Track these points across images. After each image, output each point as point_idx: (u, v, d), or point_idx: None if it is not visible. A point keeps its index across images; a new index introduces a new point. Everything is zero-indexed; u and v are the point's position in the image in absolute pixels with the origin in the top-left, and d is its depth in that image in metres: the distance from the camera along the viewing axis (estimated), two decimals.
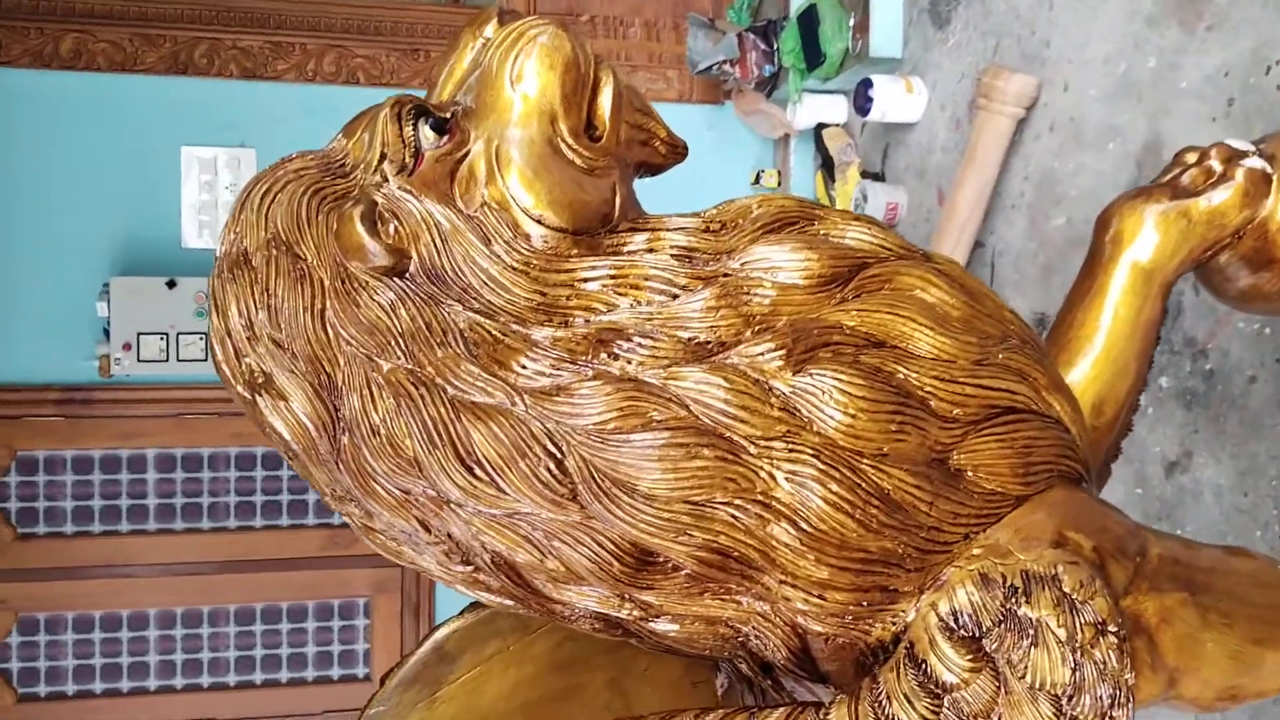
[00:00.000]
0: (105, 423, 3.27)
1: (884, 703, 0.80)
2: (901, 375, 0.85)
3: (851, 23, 3.27)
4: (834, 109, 3.47)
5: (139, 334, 3.07)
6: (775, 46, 3.47)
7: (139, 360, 3.08)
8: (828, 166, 3.62)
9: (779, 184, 3.83)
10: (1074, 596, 0.83)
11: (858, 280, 0.88)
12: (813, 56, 3.33)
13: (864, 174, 3.33)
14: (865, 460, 0.82)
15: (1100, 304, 1.16)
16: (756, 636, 0.86)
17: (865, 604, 0.83)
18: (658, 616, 0.85)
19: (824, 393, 0.81)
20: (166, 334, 3.08)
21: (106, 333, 3.12)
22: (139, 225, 3.27)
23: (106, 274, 3.18)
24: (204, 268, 3.36)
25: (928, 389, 0.86)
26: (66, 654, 3.32)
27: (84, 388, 3.25)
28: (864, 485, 0.81)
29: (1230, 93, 1.79)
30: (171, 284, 3.10)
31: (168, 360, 3.09)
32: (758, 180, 3.84)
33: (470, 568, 0.83)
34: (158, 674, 3.39)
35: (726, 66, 3.57)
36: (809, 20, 3.32)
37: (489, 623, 1.10)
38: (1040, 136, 2.40)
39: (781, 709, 0.81)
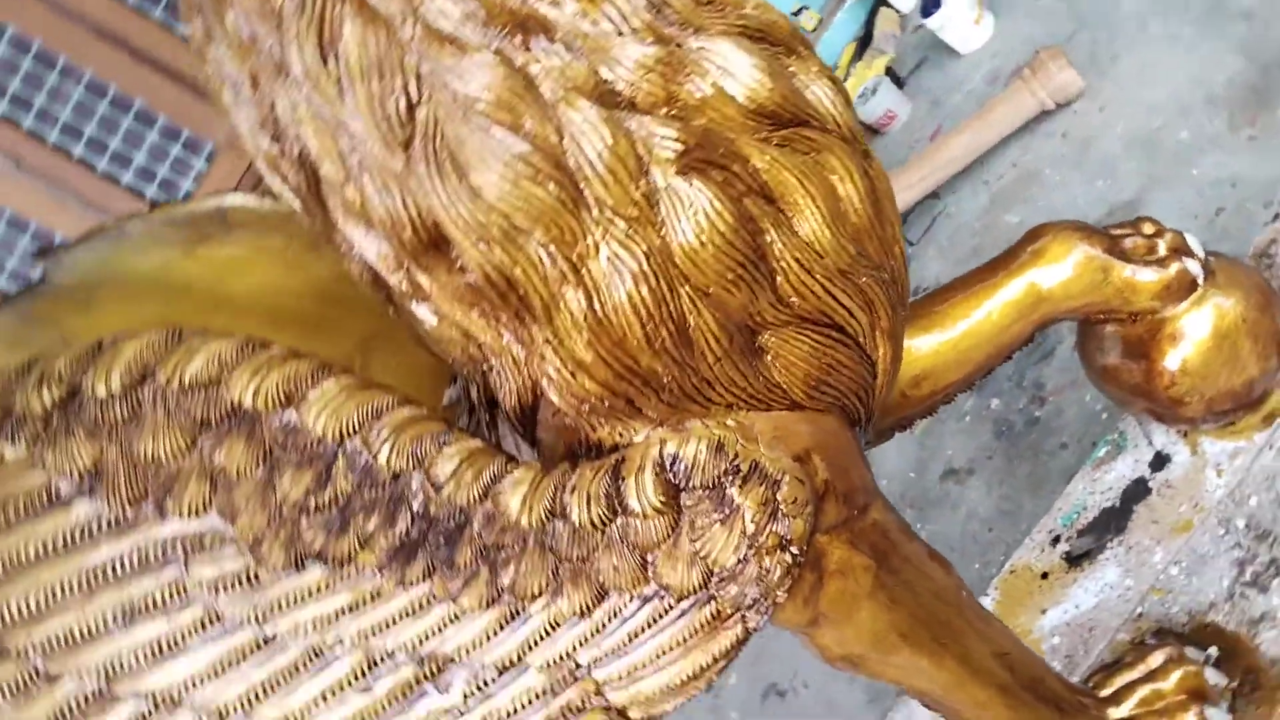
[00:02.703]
0: None
1: (566, 490, 0.81)
2: (769, 238, 0.83)
3: None
4: None
5: None
6: None
7: None
8: (864, 43, 3.48)
9: (815, 29, 3.67)
10: (781, 507, 0.85)
11: (791, 132, 0.84)
12: None
13: (888, 70, 3.22)
14: (687, 287, 0.80)
15: (982, 299, 1.16)
16: (499, 374, 0.85)
17: (606, 404, 0.83)
18: (424, 301, 0.82)
19: (691, 205, 0.78)
20: None
21: None
22: None
23: None
24: None
25: (783, 264, 0.84)
26: None
27: None
28: (671, 307, 0.80)
29: (1225, 203, 1.78)
30: None
31: None
32: (798, 13, 3.66)
33: (276, 147, 0.78)
34: None
35: None
36: None
37: (283, 219, 1.06)
38: (1050, 137, 2.36)
39: (473, 444, 0.80)
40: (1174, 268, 1.14)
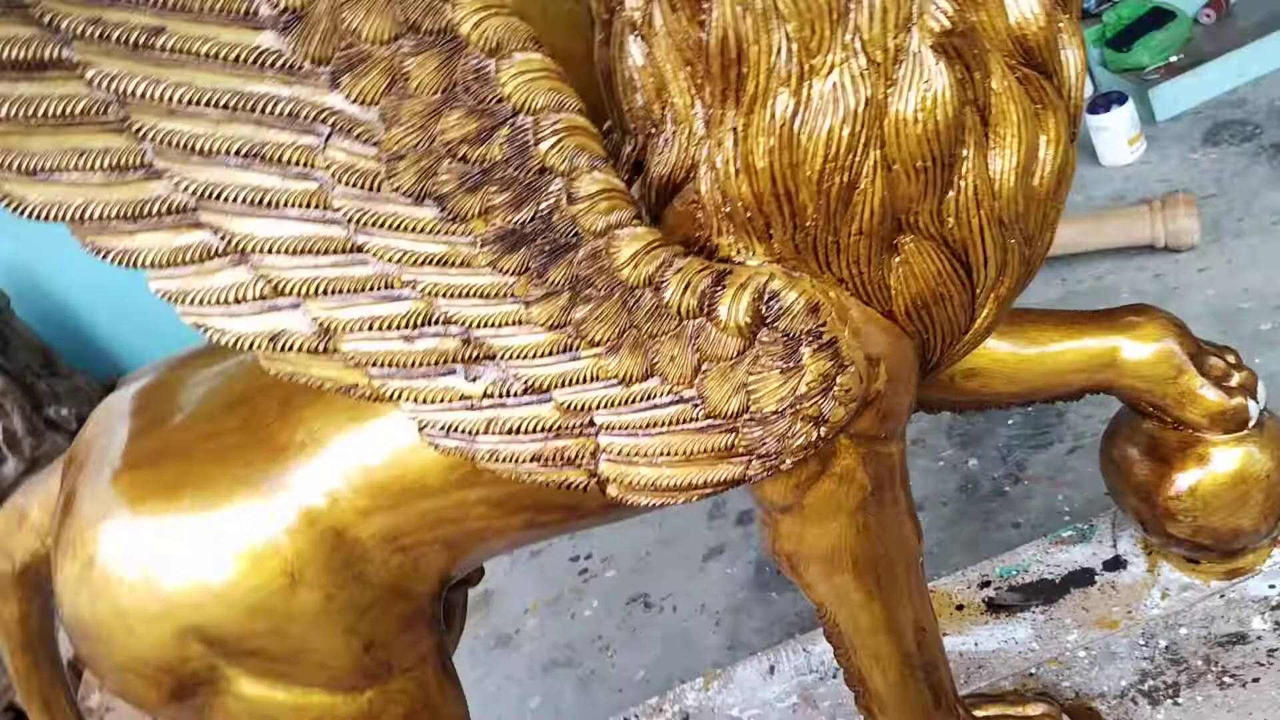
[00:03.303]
0: None
1: (672, 267, 0.84)
2: (965, 154, 0.86)
3: (1172, 59, 3.11)
4: None
5: None
6: None
7: None
8: None
9: None
10: (835, 388, 0.88)
11: (1034, 74, 0.86)
12: (1122, 39, 3.16)
13: None
14: (879, 151, 0.83)
15: (1065, 337, 1.21)
16: (666, 141, 0.88)
17: (747, 215, 0.86)
18: (644, 38, 0.84)
19: (929, 83, 0.81)
20: None
21: None
22: None
23: None
24: None
25: (962, 184, 0.87)
26: None
27: None
28: (856, 159, 0.82)
29: (1272, 402, 1.84)
30: None
31: None
32: None
33: None
34: None
35: None
36: (1152, 17, 3.15)
37: None
38: (1143, 270, 2.40)
39: (620, 184, 0.83)
40: (1236, 400, 1.19)
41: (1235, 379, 1.21)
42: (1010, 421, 2.15)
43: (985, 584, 1.45)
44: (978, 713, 1.17)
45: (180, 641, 0.99)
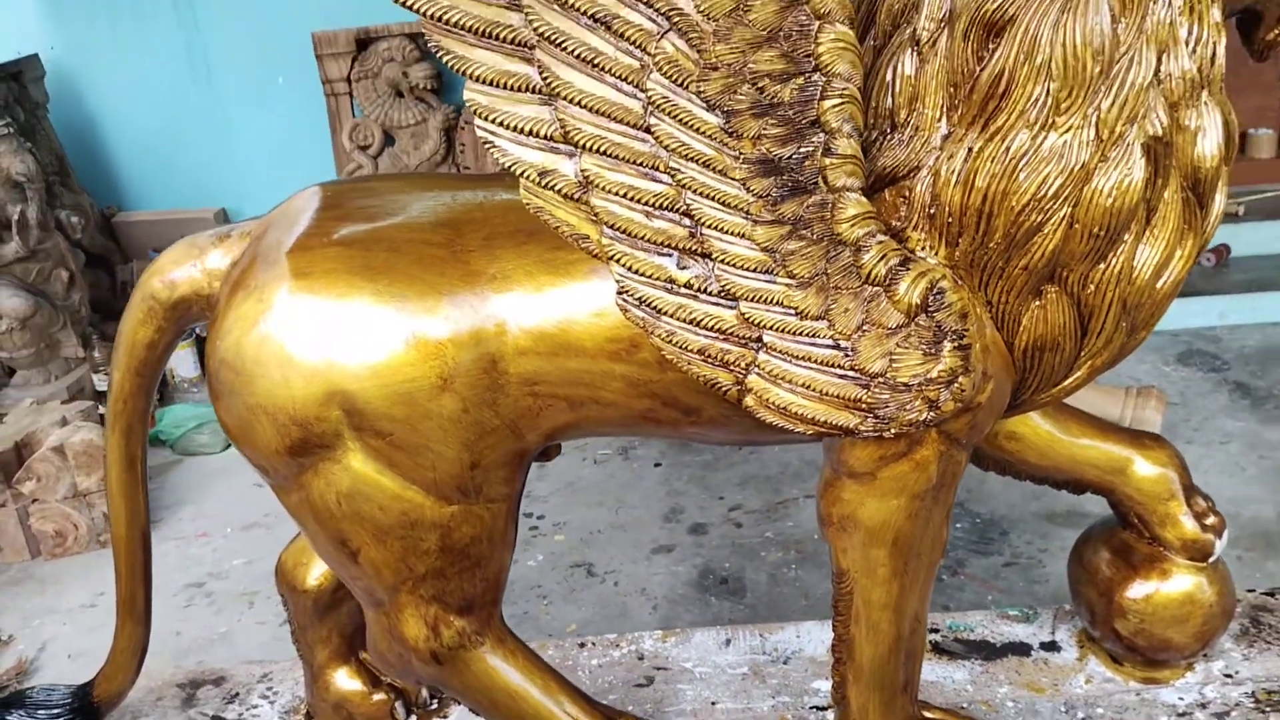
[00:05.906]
0: None
1: (874, 239, 1.02)
2: (1126, 239, 1.06)
3: None
4: None
5: None
6: None
7: None
8: None
9: None
10: (955, 384, 1.07)
11: (1192, 200, 1.08)
12: None
13: None
14: (1071, 209, 1.02)
15: (1094, 435, 1.42)
16: (900, 139, 1.06)
17: (947, 221, 1.05)
18: (925, 46, 1.03)
19: (1130, 171, 1.01)
20: None
21: None
22: None
23: None
24: None
25: (1112, 262, 1.07)
26: None
27: None
28: (1053, 206, 1.01)
29: None
30: None
31: None
32: None
33: None
34: None
35: None
36: None
37: None
38: None
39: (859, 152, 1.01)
40: (1207, 536, 1.41)
41: (1210, 519, 1.43)
42: (959, 525, 2.36)
43: (934, 630, 1.64)
44: (926, 713, 1.35)
45: (325, 402, 1.11)
